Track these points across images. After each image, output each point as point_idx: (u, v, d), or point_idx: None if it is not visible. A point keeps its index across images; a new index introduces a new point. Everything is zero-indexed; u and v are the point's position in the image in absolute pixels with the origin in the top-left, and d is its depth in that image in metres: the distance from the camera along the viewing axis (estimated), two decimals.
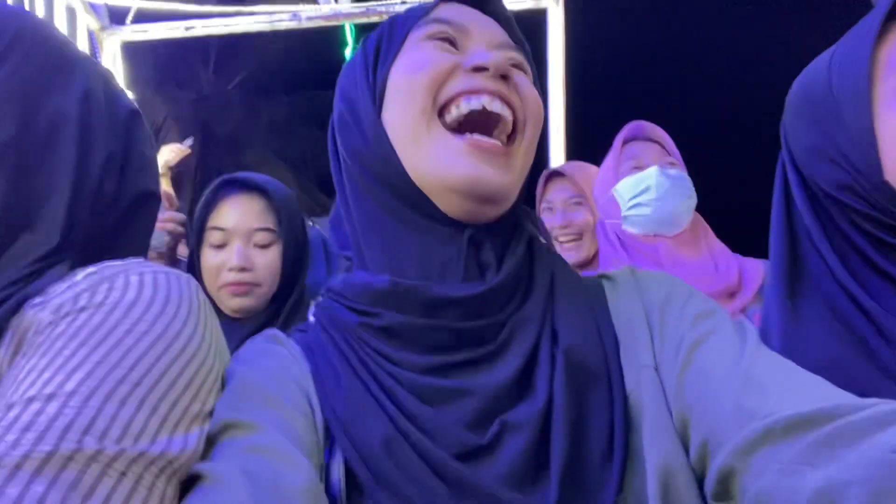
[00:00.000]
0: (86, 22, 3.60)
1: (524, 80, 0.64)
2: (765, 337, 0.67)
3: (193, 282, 0.58)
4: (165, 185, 2.64)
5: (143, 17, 3.84)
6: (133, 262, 0.57)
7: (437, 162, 0.58)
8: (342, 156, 0.67)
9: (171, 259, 1.44)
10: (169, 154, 2.51)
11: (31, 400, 0.44)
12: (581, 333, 0.57)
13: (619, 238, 1.40)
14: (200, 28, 3.89)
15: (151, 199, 0.69)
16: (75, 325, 0.49)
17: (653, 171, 1.34)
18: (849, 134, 0.62)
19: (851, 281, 0.61)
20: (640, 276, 0.65)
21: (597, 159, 1.55)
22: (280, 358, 0.60)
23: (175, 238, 1.42)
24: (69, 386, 0.45)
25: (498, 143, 0.60)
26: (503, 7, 0.69)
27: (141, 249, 0.69)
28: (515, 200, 0.65)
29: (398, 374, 0.55)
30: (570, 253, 1.61)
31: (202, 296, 0.59)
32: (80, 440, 0.43)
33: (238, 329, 1.18)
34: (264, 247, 1.22)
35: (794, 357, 0.55)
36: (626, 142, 1.44)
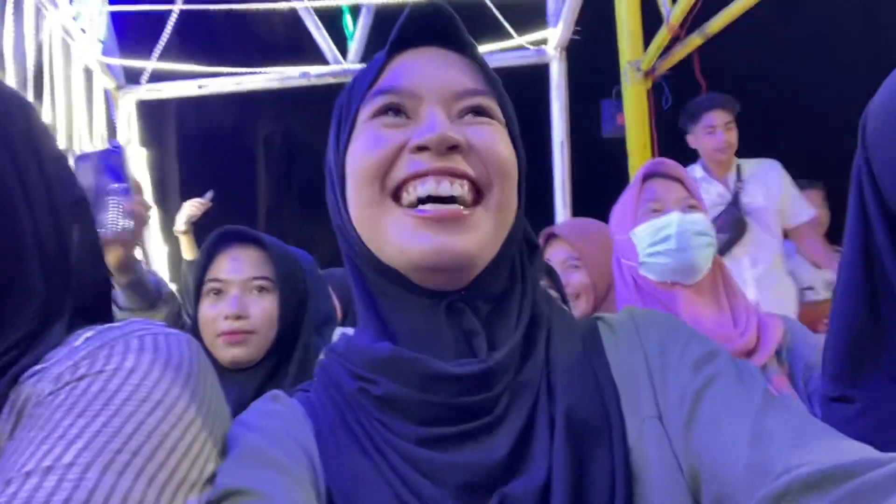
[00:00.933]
0: (102, 82, 3.71)
1: (485, 135, 0.58)
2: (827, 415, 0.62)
3: (194, 343, 0.58)
4: (186, 241, 2.69)
5: (158, 76, 3.96)
6: (134, 324, 0.56)
7: (395, 241, 0.57)
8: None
9: (130, 246, 1.35)
10: (191, 209, 2.58)
11: (29, 474, 0.44)
12: (579, 390, 0.56)
13: (636, 280, 1.37)
14: (213, 87, 4.01)
15: (83, 205, 0.66)
16: (75, 394, 0.48)
17: (674, 218, 1.29)
18: None
19: None
20: (639, 318, 0.63)
21: (603, 211, 1.56)
22: (284, 419, 0.59)
23: (141, 222, 1.34)
24: (67, 458, 0.44)
25: (454, 207, 0.56)
26: (463, 37, 0.62)
27: (95, 254, 0.66)
28: (499, 258, 0.60)
29: (396, 444, 0.54)
30: None
31: (202, 357, 0.58)
32: None
33: (239, 385, 1.17)
34: (261, 295, 1.21)
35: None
36: (646, 178, 1.38)
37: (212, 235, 1.25)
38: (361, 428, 0.56)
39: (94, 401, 0.48)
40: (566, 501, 0.50)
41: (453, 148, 0.56)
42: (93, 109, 3.54)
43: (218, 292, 1.22)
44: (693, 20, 3.00)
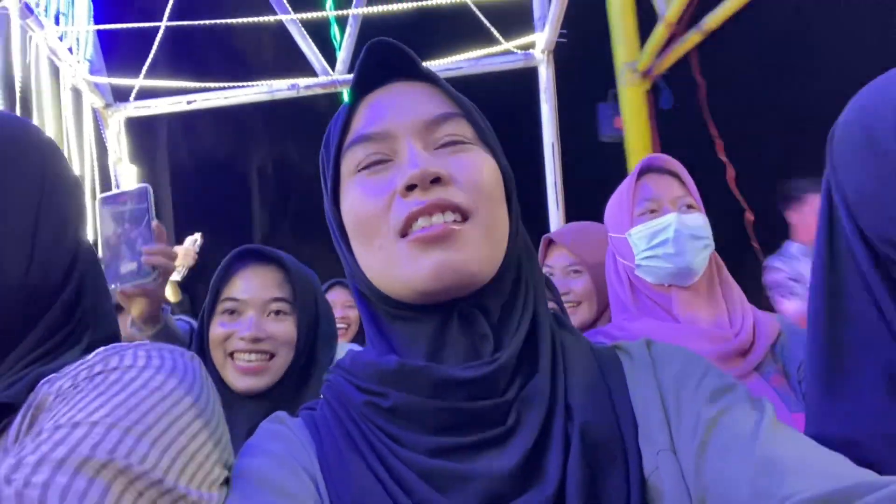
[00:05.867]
0: (90, 101, 3.70)
1: (465, 164, 0.61)
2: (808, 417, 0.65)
3: (197, 359, 0.60)
4: (171, 291, 2.71)
5: (146, 93, 3.95)
6: (142, 343, 0.60)
7: (403, 274, 0.58)
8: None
9: (154, 297, 1.26)
10: (185, 258, 2.61)
11: (58, 427, 0.49)
12: (596, 410, 0.56)
13: (631, 281, 1.36)
14: (201, 102, 4.01)
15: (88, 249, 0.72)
16: (94, 383, 0.53)
17: (670, 220, 1.27)
18: None
19: None
20: (656, 351, 0.64)
21: (595, 210, 1.56)
22: (287, 442, 0.59)
23: (164, 274, 1.22)
24: (93, 418, 0.50)
25: (445, 224, 0.57)
26: (420, 68, 0.64)
27: (104, 294, 0.73)
28: (501, 272, 0.62)
29: (405, 457, 0.54)
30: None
31: (206, 373, 0.60)
32: (111, 453, 0.48)
33: (249, 411, 1.13)
34: (278, 318, 1.17)
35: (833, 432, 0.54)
36: (641, 174, 1.36)
37: (231, 253, 1.22)
38: (367, 444, 0.57)
39: (114, 386, 0.53)
40: None
41: (436, 180, 0.58)
42: (82, 129, 3.53)
43: (232, 312, 1.17)
44: (690, 16, 2.84)
